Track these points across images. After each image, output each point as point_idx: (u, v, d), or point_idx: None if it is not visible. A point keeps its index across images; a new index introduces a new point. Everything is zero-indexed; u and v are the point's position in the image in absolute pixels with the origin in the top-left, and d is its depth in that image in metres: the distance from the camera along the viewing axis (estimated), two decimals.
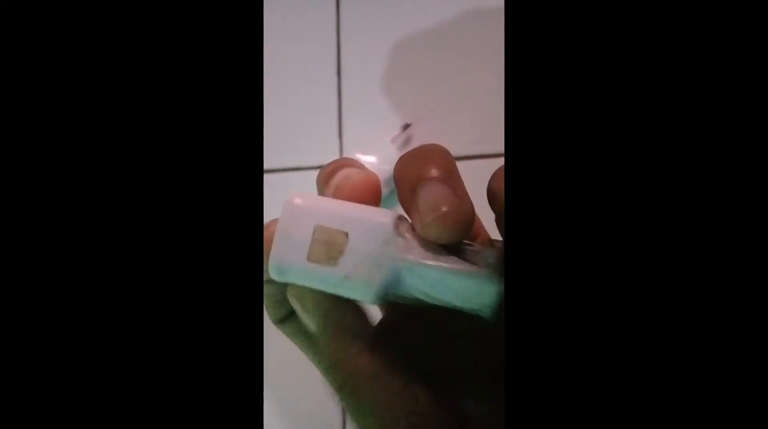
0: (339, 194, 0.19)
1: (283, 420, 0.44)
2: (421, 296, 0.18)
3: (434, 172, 0.18)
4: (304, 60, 0.47)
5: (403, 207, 0.19)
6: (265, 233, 0.20)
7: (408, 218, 0.19)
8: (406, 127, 0.43)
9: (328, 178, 0.20)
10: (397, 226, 0.18)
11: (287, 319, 0.22)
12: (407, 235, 0.18)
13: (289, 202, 0.19)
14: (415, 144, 0.42)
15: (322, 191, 0.20)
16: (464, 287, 0.17)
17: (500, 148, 0.40)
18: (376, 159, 0.41)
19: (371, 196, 0.20)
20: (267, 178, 0.44)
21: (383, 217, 0.18)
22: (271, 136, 0.46)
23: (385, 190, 0.42)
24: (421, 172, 0.18)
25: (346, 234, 0.18)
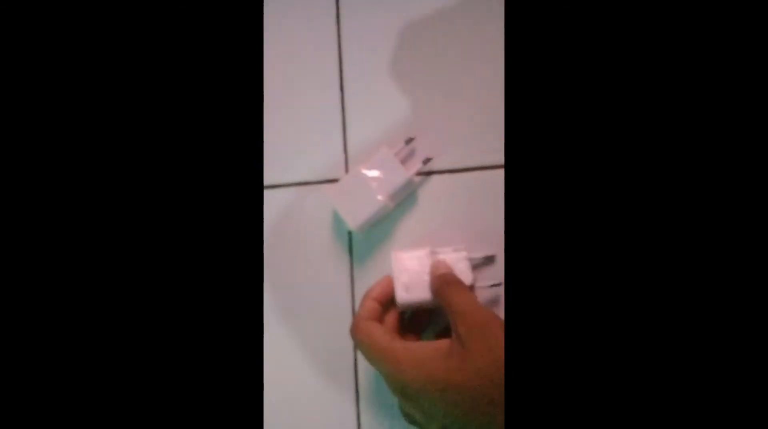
0: None
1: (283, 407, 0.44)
2: None
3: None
4: (307, 75, 0.47)
5: None
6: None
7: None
8: (409, 141, 0.43)
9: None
10: None
11: None
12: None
13: None
14: (419, 157, 0.43)
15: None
16: None
17: (500, 159, 0.40)
18: (381, 173, 0.41)
19: None
20: (271, 193, 0.45)
21: None
22: (276, 151, 0.46)
23: (390, 205, 0.42)
24: None
25: None
